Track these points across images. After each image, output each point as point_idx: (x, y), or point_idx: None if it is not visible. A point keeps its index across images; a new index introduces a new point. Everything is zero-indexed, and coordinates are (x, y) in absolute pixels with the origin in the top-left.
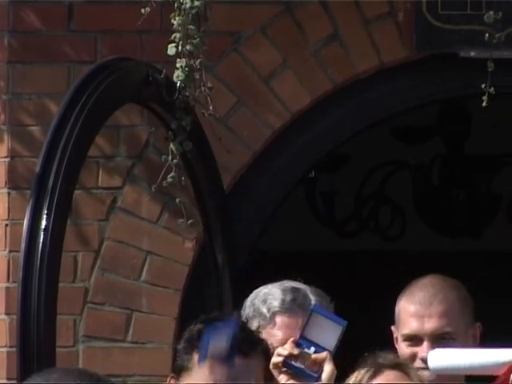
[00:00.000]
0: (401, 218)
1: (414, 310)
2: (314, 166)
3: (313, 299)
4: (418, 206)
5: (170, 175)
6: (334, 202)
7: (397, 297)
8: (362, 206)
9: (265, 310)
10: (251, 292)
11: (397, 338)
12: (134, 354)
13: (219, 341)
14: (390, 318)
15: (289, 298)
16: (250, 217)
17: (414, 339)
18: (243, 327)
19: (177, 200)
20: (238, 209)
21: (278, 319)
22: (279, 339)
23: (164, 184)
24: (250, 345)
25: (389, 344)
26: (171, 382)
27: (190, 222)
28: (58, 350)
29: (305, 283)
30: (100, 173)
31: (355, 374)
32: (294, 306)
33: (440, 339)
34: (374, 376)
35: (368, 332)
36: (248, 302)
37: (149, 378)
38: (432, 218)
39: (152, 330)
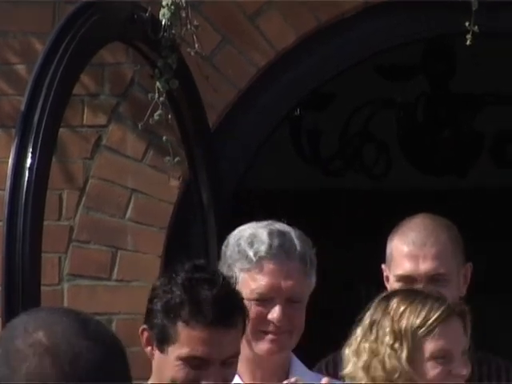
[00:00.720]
0: (386, 156)
1: (408, 250)
2: (298, 105)
3: (297, 244)
4: (402, 145)
5: (157, 113)
6: (318, 141)
7: (383, 235)
8: (346, 145)
9: (251, 254)
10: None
11: (387, 277)
12: (119, 292)
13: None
14: (375, 256)
15: (276, 243)
16: (235, 155)
17: (408, 280)
18: (230, 292)
19: (163, 138)
20: (223, 147)
21: (264, 265)
22: (263, 285)
23: (151, 122)
24: (235, 313)
25: (377, 283)
26: (144, 333)
27: (176, 159)
28: (42, 288)
29: (288, 223)
30: (85, 111)
31: (412, 311)
32: (281, 252)
33: (434, 280)
34: (443, 320)
35: (353, 270)
36: (232, 240)
37: (134, 317)
38: (417, 157)
39: (137, 269)
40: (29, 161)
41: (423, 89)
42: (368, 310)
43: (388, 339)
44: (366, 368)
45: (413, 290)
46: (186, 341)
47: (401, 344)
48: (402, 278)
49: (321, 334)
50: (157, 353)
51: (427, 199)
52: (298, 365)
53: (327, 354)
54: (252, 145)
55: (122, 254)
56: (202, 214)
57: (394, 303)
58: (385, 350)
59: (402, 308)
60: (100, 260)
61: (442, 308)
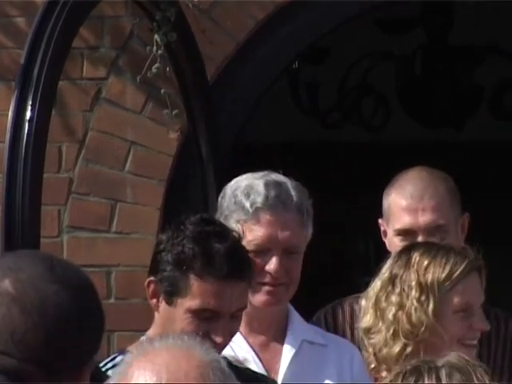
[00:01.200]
0: (384, 109)
1: (406, 204)
2: (297, 58)
3: (294, 195)
4: (401, 97)
5: (155, 66)
6: (317, 94)
7: (380, 187)
8: (345, 97)
9: (248, 205)
10: None
11: (385, 232)
12: (118, 244)
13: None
14: (373, 209)
15: (272, 194)
16: (234, 108)
17: (408, 233)
18: (240, 245)
19: (162, 91)
20: (222, 99)
21: (261, 216)
22: (260, 236)
23: (149, 75)
24: (245, 266)
25: (375, 236)
26: (151, 286)
27: (174, 112)
28: (42, 240)
29: (285, 175)
30: (84, 64)
31: (437, 264)
32: (278, 203)
33: (433, 232)
34: (466, 275)
35: (352, 223)
36: (229, 191)
37: (133, 268)
38: (415, 109)
39: (136, 221)
40: (28, 113)
41: (421, 41)
42: (385, 263)
43: (414, 292)
44: (390, 321)
45: (433, 244)
46: (198, 293)
47: (427, 297)
48: (401, 232)
49: (319, 287)
50: (163, 305)
51: (425, 152)
52: (295, 316)
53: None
54: (250, 98)
55: (121, 206)
56: (201, 167)
57: (416, 257)
58: (411, 303)
59: (425, 262)
60: (99, 212)
61: (465, 262)
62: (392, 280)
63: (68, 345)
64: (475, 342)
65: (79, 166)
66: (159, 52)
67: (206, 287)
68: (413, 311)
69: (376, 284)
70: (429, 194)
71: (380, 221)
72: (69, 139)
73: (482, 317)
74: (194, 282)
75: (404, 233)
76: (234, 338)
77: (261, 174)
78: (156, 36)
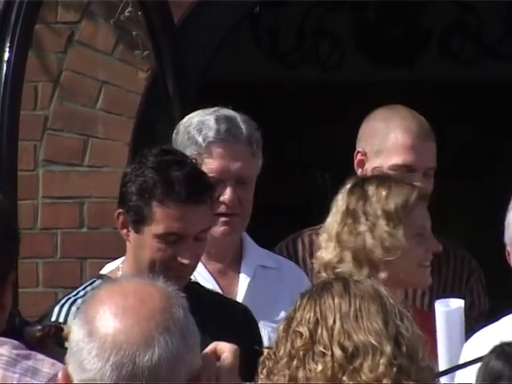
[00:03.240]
0: (340, 51)
1: (412, 142)
2: (258, 3)
3: (243, 128)
4: (355, 40)
5: (128, 10)
6: (277, 37)
7: (339, 123)
8: (303, 40)
9: (200, 140)
10: None
11: (362, 161)
12: (90, 177)
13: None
14: (325, 141)
15: (223, 127)
16: (199, 49)
17: (405, 169)
18: (198, 171)
19: (133, 33)
20: (188, 41)
21: (213, 149)
22: (213, 168)
23: (122, 18)
24: (205, 190)
25: (332, 170)
26: (120, 217)
27: (145, 53)
28: (19, 173)
29: (235, 110)
30: (59, 9)
31: (395, 194)
32: (228, 136)
33: (427, 174)
34: (417, 202)
35: (310, 157)
36: (182, 128)
37: (104, 200)
38: (370, 51)
39: (107, 155)
40: (6, 55)
41: None
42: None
43: (381, 221)
44: (359, 250)
45: (382, 176)
46: (162, 219)
47: (394, 224)
48: (399, 167)
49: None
50: (133, 234)
51: (377, 90)
52: (249, 242)
53: None
54: (214, 40)
55: (93, 141)
56: (168, 105)
57: (372, 189)
58: (382, 231)
59: (384, 192)
60: (73, 147)
61: (416, 190)
62: (351, 213)
63: None
64: (429, 263)
65: (54, 104)
66: None
67: (168, 212)
68: (386, 237)
69: (335, 218)
70: (431, 138)
71: (360, 150)
72: (44, 79)
73: (434, 239)
74: (157, 209)
75: (403, 169)
76: None
77: (211, 110)
78: None
